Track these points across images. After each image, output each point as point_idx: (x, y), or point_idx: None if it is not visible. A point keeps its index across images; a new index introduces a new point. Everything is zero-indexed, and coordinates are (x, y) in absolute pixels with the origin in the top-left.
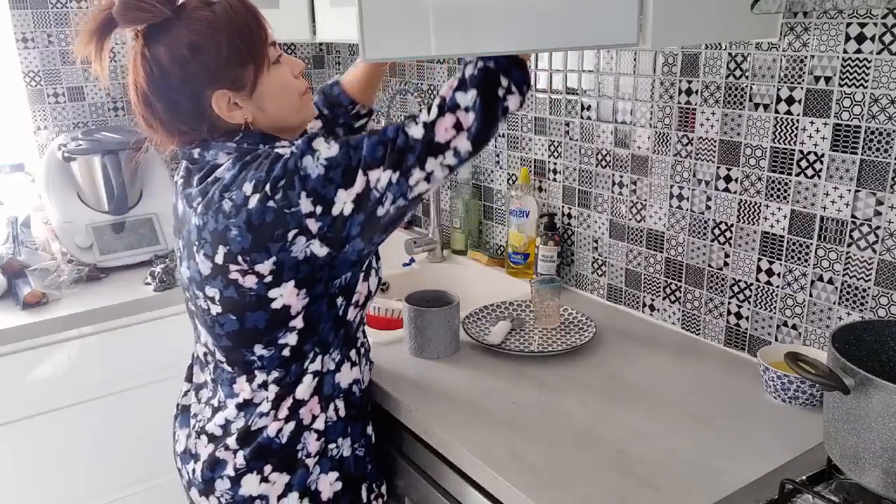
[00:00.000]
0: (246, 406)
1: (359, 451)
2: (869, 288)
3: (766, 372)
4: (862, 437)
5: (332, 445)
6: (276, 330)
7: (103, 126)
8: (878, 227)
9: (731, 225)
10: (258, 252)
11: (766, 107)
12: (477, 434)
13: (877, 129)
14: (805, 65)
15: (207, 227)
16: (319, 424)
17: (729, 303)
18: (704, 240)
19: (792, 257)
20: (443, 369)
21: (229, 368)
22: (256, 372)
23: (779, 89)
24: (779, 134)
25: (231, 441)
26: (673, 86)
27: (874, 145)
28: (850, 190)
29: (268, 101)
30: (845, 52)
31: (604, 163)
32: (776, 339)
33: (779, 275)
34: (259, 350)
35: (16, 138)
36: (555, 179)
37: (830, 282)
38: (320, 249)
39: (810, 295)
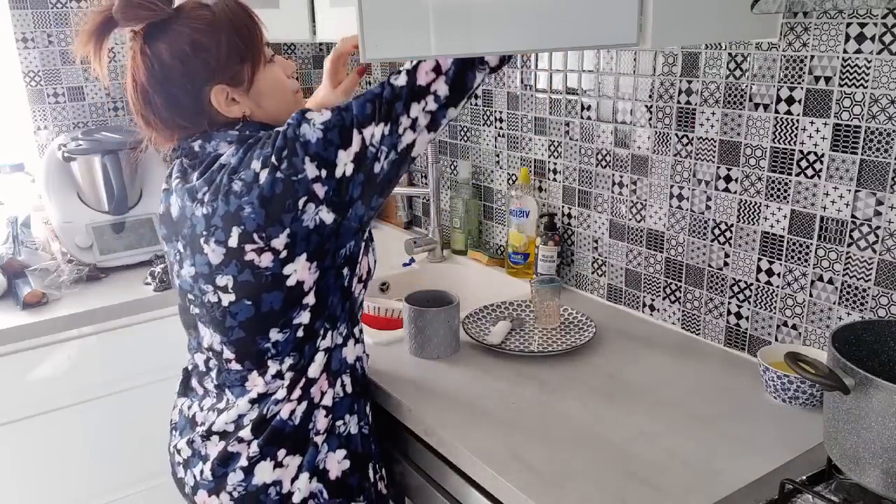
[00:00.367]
0: (261, 399)
1: (364, 429)
2: (869, 288)
3: (766, 372)
4: (862, 437)
5: (339, 422)
6: (291, 309)
7: (103, 126)
8: (878, 227)
9: (731, 225)
10: (273, 226)
11: (766, 107)
12: (477, 434)
13: (877, 129)
14: (805, 65)
15: (218, 213)
16: (328, 401)
17: (729, 303)
18: (704, 240)
19: (792, 257)
20: (443, 369)
21: (238, 367)
22: (269, 362)
23: (779, 89)
24: (779, 134)
25: (245, 433)
26: (673, 86)
27: (874, 145)
28: (850, 190)
29: (264, 96)
30: (845, 52)
31: (604, 163)
32: (776, 339)
33: (779, 275)
34: (274, 335)
35: (16, 138)
36: (555, 179)
37: (830, 282)
38: (328, 216)
39: (810, 295)
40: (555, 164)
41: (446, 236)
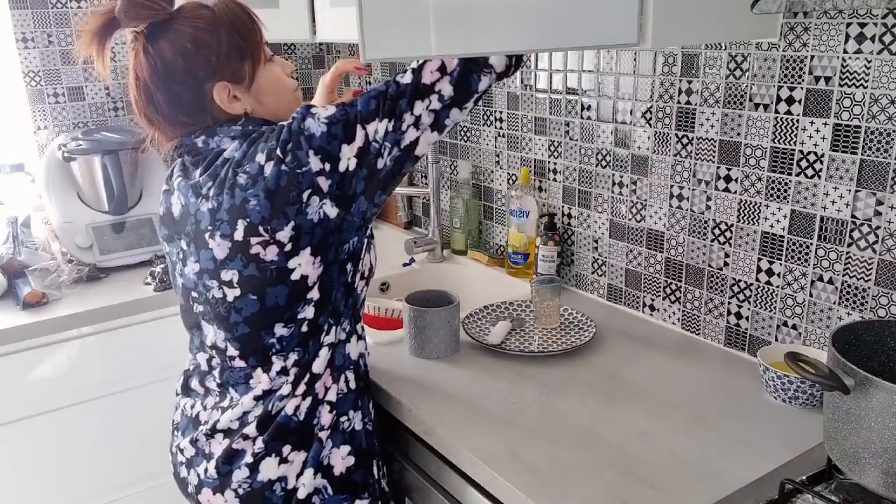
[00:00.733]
0: (265, 395)
1: (368, 425)
2: (869, 288)
3: (766, 372)
4: (862, 437)
5: (343, 418)
6: (295, 304)
7: (103, 126)
8: (878, 227)
9: (731, 225)
10: (277, 218)
11: (766, 107)
12: (477, 434)
13: (877, 129)
14: (805, 65)
15: (223, 206)
16: (332, 396)
17: (729, 303)
18: (704, 240)
19: (792, 257)
20: (443, 369)
21: (242, 364)
22: (274, 358)
23: (779, 89)
24: (779, 134)
25: (250, 430)
26: (673, 86)
27: (874, 145)
28: (850, 190)
29: (265, 94)
30: (845, 52)
31: (604, 163)
32: (776, 339)
33: (779, 275)
34: (279, 330)
35: (16, 138)
36: (555, 179)
37: (830, 282)
38: (331, 210)
39: (810, 295)
40: (555, 164)
41: (446, 236)
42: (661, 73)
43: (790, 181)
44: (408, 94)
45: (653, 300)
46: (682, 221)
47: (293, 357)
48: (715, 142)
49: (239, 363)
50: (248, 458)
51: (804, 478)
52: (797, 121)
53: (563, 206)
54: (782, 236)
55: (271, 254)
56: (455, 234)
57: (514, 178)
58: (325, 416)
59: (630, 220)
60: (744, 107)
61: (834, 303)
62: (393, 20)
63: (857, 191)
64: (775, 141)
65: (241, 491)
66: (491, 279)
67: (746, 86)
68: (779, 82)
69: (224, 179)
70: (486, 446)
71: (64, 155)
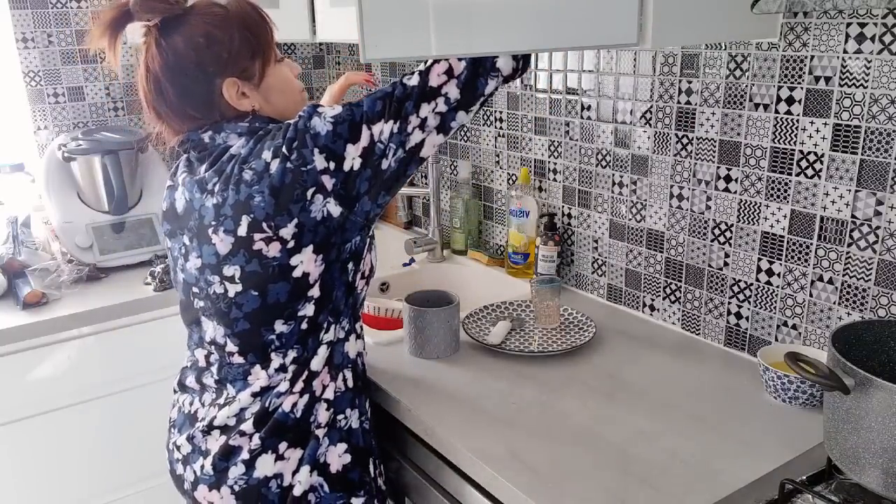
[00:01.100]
0: (263, 392)
1: (365, 423)
2: (869, 288)
3: (766, 372)
4: (862, 437)
5: (340, 416)
6: (296, 301)
7: (103, 126)
8: (878, 227)
9: (731, 225)
10: (281, 215)
11: (766, 107)
12: (477, 434)
13: (877, 129)
14: (805, 65)
15: (228, 202)
16: (329, 394)
17: (729, 303)
18: (704, 240)
19: (792, 257)
20: (443, 369)
21: (240, 360)
22: (273, 355)
23: (779, 89)
24: (779, 134)
25: (246, 426)
26: (673, 86)
27: (874, 145)
28: (850, 190)
29: (273, 93)
30: (845, 52)
31: (604, 163)
32: (776, 339)
33: (779, 275)
34: (279, 327)
35: (16, 138)
36: (555, 179)
37: (830, 282)
38: (335, 209)
39: (810, 295)
40: (555, 164)
41: (446, 236)
42: (661, 73)
43: (790, 181)
44: (414, 97)
45: (653, 300)
46: (682, 221)
47: (292, 354)
48: (715, 142)
49: (237, 359)
50: (245, 455)
51: (804, 478)
52: (797, 121)
53: (563, 206)
54: (782, 236)
55: (274, 250)
56: (455, 234)
57: (514, 178)
58: (323, 414)
59: (630, 220)
60: (744, 107)
61: (834, 303)
62: (393, 20)
63: (857, 191)
64: (775, 141)
65: (236, 487)
66: (491, 279)
67: (746, 86)
68: (779, 82)
69: (230, 175)
70: (485, 446)
71: (64, 155)
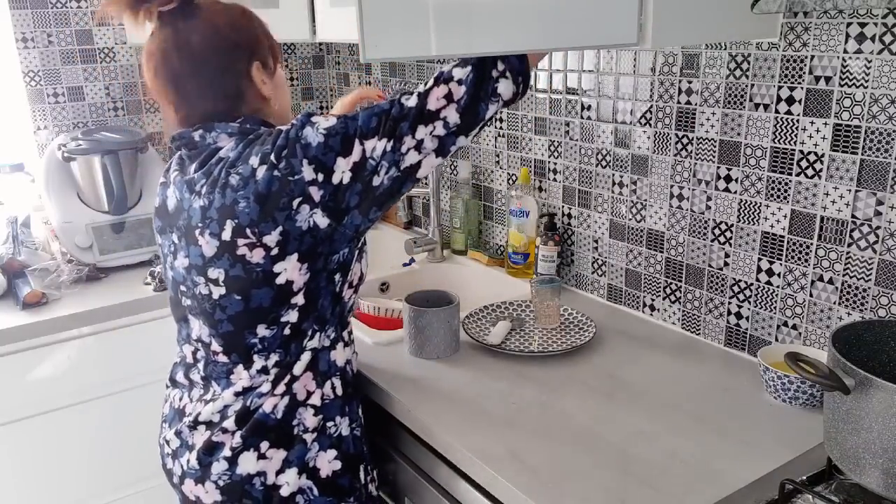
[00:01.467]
0: (245, 392)
1: (356, 430)
2: (869, 288)
3: (767, 372)
4: (862, 437)
5: (330, 423)
6: (279, 307)
7: (103, 126)
8: (878, 227)
9: (731, 225)
10: (266, 222)
11: (766, 107)
12: (477, 434)
13: (877, 129)
14: (805, 65)
15: (214, 205)
16: (316, 400)
17: (729, 303)
18: (704, 240)
19: (792, 257)
20: (443, 369)
21: (225, 359)
22: (255, 357)
23: (779, 89)
24: (779, 134)
25: (229, 423)
26: (673, 86)
27: (874, 145)
28: (850, 190)
29: (278, 89)
30: (845, 52)
31: (604, 163)
32: (776, 339)
33: (779, 275)
34: (262, 331)
35: (16, 138)
36: (555, 179)
37: (831, 282)
38: (322, 220)
39: (810, 295)
40: (555, 164)
41: (446, 236)
42: (661, 73)
43: (790, 181)
44: (410, 118)
45: (653, 300)
46: (682, 221)
47: (274, 358)
48: (715, 142)
49: (222, 358)
50: (227, 452)
51: (804, 478)
52: (797, 121)
53: (563, 206)
54: (782, 236)
55: (257, 256)
56: (455, 234)
57: (514, 178)
58: (310, 419)
59: (630, 220)
60: (744, 107)
61: (834, 303)
62: (393, 20)
63: (857, 191)
64: (775, 141)
65: (221, 483)
66: (491, 279)
67: (746, 86)
68: (779, 82)
69: (217, 178)
70: (485, 446)
71: (64, 155)
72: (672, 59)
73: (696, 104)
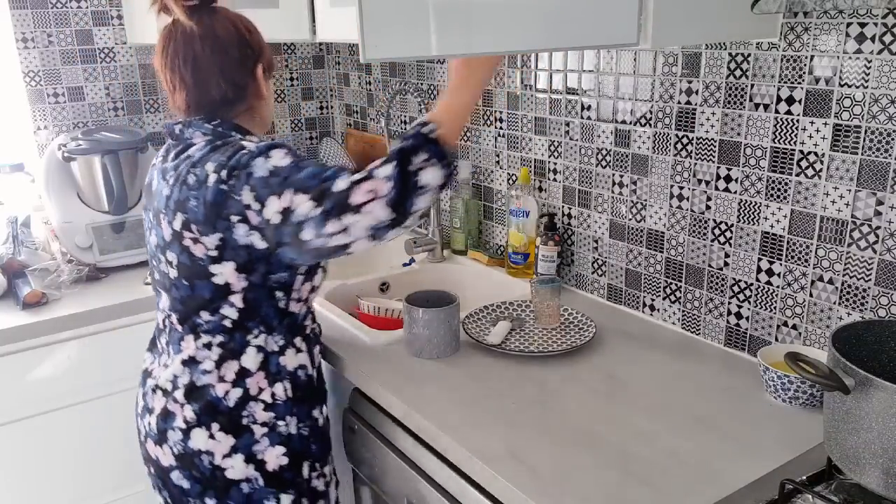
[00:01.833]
0: (190, 363)
1: (304, 430)
2: (869, 288)
3: (767, 372)
4: (862, 437)
5: (280, 422)
6: (219, 301)
7: (103, 126)
8: (878, 227)
9: (731, 225)
10: (207, 226)
11: (766, 107)
12: (477, 434)
13: (877, 129)
14: (805, 65)
15: (173, 197)
16: (266, 397)
17: (729, 303)
18: (704, 240)
19: (792, 257)
20: (443, 369)
21: (179, 328)
22: (202, 334)
23: (779, 89)
24: (779, 134)
25: (179, 395)
26: (673, 86)
27: (874, 145)
28: (850, 190)
29: (269, 94)
30: (845, 52)
31: (604, 163)
32: (776, 339)
33: (779, 275)
34: (205, 316)
35: (16, 138)
36: (555, 179)
37: (831, 282)
38: (259, 242)
39: (810, 295)
40: (555, 164)
41: (446, 236)
42: (662, 73)
43: (790, 181)
44: (333, 200)
45: (653, 300)
46: (682, 221)
47: (219, 338)
48: (715, 142)
49: (178, 326)
50: (181, 423)
51: (804, 478)
52: (797, 121)
53: (563, 206)
54: (782, 236)
55: (199, 252)
56: (455, 234)
57: (514, 178)
58: (261, 414)
59: (630, 220)
60: (744, 107)
61: (834, 303)
62: (393, 20)
63: (857, 191)
64: (775, 141)
65: (175, 450)
66: (491, 279)
67: (746, 86)
68: (779, 82)
69: (180, 174)
70: (485, 446)
71: (64, 155)
72: (672, 59)
73: (696, 104)
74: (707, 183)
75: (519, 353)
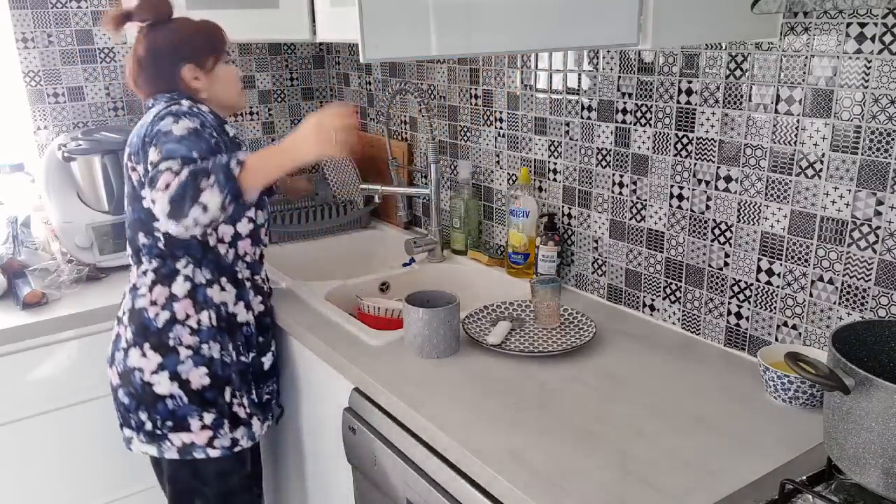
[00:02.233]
0: (132, 290)
1: (226, 357)
2: (869, 288)
3: (767, 372)
4: (862, 437)
5: (204, 346)
6: (150, 223)
7: (103, 126)
8: (878, 227)
9: (731, 225)
10: (140, 155)
11: (766, 107)
12: (477, 434)
13: (877, 129)
14: (805, 65)
15: (129, 138)
16: (193, 323)
17: (729, 303)
18: (704, 240)
19: (792, 257)
20: (443, 369)
21: (132, 260)
22: (143, 259)
23: (779, 89)
24: (779, 134)
25: (125, 319)
26: (673, 86)
27: (874, 145)
28: (850, 190)
29: (218, 82)
30: (845, 52)
31: (604, 163)
32: (776, 339)
33: (779, 275)
34: (143, 238)
35: (16, 138)
36: (555, 179)
37: (831, 282)
38: None
39: (810, 295)
40: (555, 164)
41: (446, 236)
42: (661, 73)
43: (790, 181)
44: (149, 178)
45: (653, 300)
46: (682, 221)
47: (155, 263)
48: (715, 142)
49: (131, 259)
50: (123, 344)
51: (804, 478)
52: (797, 121)
53: (563, 206)
54: (782, 236)
55: (136, 178)
56: (455, 234)
57: (514, 178)
58: (187, 338)
59: (630, 219)
60: (744, 107)
61: (834, 303)
62: (393, 20)
63: (857, 191)
64: (775, 141)
65: (119, 369)
66: (491, 279)
67: (746, 86)
68: (779, 82)
69: (138, 122)
70: (485, 446)
71: (64, 155)
72: (672, 59)
73: (695, 104)
74: (707, 183)
75: (519, 353)
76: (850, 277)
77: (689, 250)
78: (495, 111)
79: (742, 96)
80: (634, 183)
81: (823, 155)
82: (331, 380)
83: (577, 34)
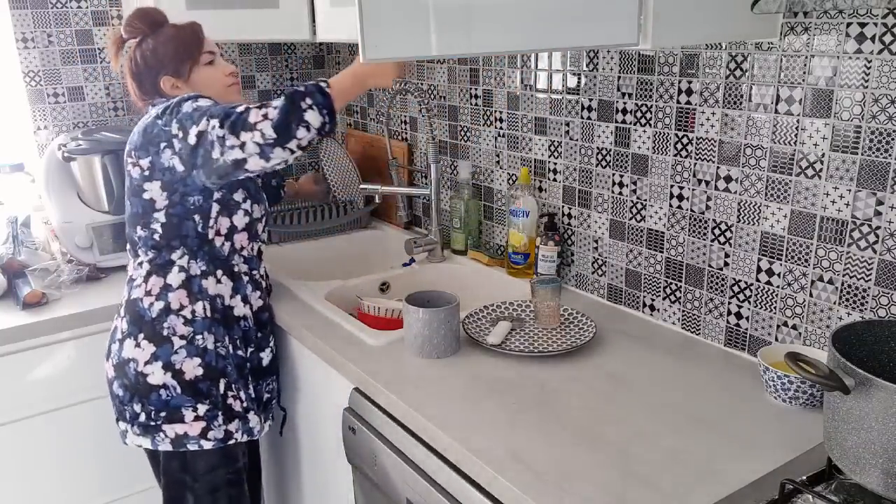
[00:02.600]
0: (129, 282)
1: (220, 349)
2: (869, 288)
3: (767, 372)
4: (862, 437)
5: (198, 336)
6: (148, 216)
7: (103, 126)
8: (878, 227)
9: (731, 225)
10: (142, 150)
11: (766, 107)
12: (477, 434)
13: (877, 129)
14: (805, 65)
15: (131, 137)
16: (187, 314)
17: (729, 303)
18: (704, 240)
19: (792, 257)
20: (443, 369)
21: (130, 254)
22: (139, 252)
23: (779, 89)
24: (779, 134)
25: (121, 311)
26: (673, 86)
27: (874, 145)
28: (850, 190)
29: (199, 86)
30: (845, 52)
31: (604, 163)
32: (776, 339)
33: (779, 275)
34: (139, 231)
35: (16, 138)
36: (555, 179)
37: (831, 282)
38: (179, 165)
39: (810, 295)
40: (555, 164)
41: (446, 236)
42: (661, 73)
43: (790, 181)
44: (238, 122)
45: (653, 300)
46: (682, 221)
47: (150, 255)
48: (715, 142)
49: (129, 253)
50: (119, 335)
51: (804, 478)
52: (797, 121)
53: (563, 206)
54: (782, 236)
55: (136, 174)
56: (455, 234)
57: (514, 178)
58: (181, 328)
59: (630, 220)
60: (744, 107)
61: (834, 303)
62: (393, 20)
63: (857, 191)
64: (775, 141)
65: (113, 361)
66: (491, 279)
67: (746, 86)
68: (779, 82)
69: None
70: (485, 446)
71: (64, 155)
72: (672, 59)
73: (695, 104)
74: (707, 183)
75: (519, 354)
76: (850, 277)
77: (689, 250)
78: (495, 111)
79: (742, 96)
80: (634, 183)
81: (823, 155)
82: (331, 380)
83: (577, 34)
